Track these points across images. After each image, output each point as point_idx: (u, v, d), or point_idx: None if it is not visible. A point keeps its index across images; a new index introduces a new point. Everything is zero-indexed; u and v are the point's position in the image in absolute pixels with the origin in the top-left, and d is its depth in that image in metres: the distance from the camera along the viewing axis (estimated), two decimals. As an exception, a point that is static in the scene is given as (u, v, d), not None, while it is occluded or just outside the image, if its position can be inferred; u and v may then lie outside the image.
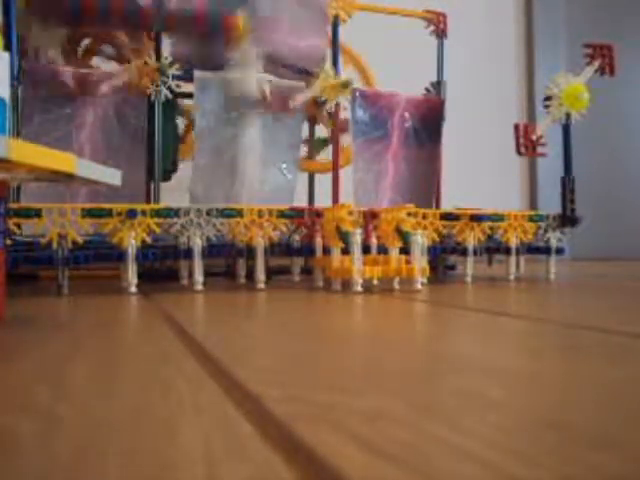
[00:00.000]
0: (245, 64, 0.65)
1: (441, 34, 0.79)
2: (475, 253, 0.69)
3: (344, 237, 0.57)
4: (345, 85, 0.67)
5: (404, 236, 0.59)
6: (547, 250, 0.73)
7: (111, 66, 0.75)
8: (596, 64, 0.73)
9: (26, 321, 0.37)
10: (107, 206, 0.56)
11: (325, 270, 0.60)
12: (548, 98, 0.73)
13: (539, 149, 0.73)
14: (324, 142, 0.86)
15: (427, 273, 0.59)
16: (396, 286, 0.58)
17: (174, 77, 0.62)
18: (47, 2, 0.60)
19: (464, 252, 0.69)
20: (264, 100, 0.64)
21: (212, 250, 0.60)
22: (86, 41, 0.79)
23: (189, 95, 0.68)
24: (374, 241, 0.64)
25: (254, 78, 0.65)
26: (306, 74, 0.68)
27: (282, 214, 0.62)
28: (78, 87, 0.62)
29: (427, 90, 0.79)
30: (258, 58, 0.66)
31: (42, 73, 0.61)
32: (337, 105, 0.68)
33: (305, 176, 0.89)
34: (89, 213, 0.55)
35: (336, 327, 0.35)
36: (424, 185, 0.77)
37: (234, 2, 0.67)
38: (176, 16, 0.63)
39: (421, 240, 0.58)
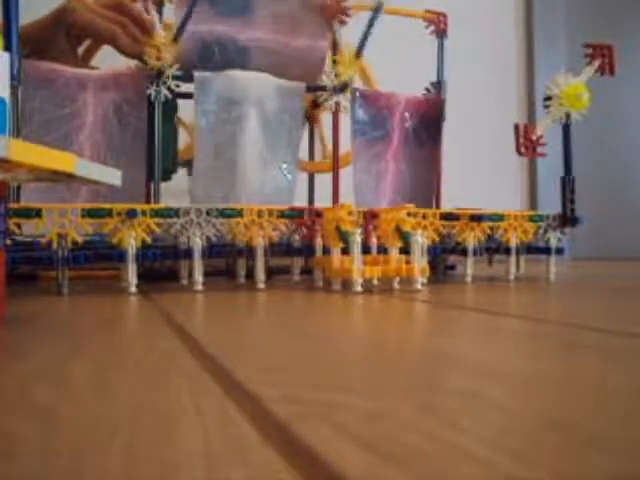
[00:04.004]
0: None
1: (441, 34, 0.79)
2: (475, 253, 0.69)
3: (344, 237, 0.57)
4: (345, 85, 0.67)
5: (404, 236, 0.59)
6: (547, 250, 0.73)
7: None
8: (596, 64, 0.73)
9: (26, 321, 0.37)
10: (107, 206, 0.56)
11: (325, 270, 0.60)
12: (548, 98, 0.73)
13: (539, 149, 0.73)
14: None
15: (427, 273, 0.59)
16: (396, 286, 0.58)
17: (174, 77, 0.62)
18: None
19: (464, 252, 0.69)
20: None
21: (212, 250, 0.60)
22: (87, 42, 0.79)
23: (189, 95, 0.68)
24: (374, 241, 0.64)
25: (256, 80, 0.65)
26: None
27: (282, 214, 0.62)
28: (78, 87, 0.62)
29: (427, 90, 0.79)
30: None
31: (42, 73, 0.61)
32: (337, 105, 0.68)
33: (305, 176, 0.89)
34: (89, 213, 0.55)
35: (336, 327, 0.35)
36: (424, 185, 0.77)
37: (238, 10, 0.67)
38: None
39: (421, 240, 0.58)
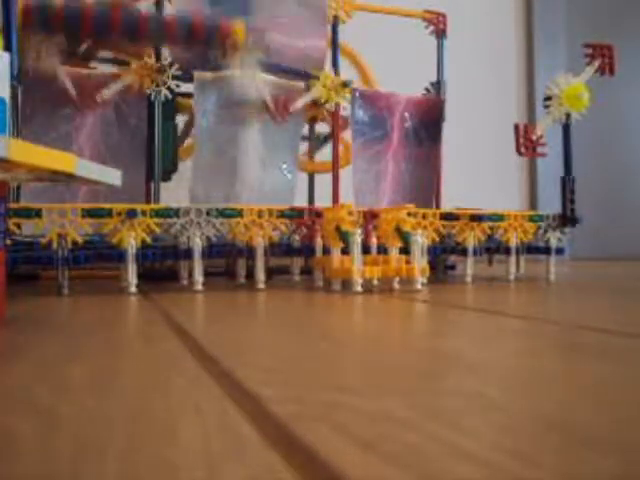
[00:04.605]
0: (244, 69, 0.65)
1: (441, 34, 0.79)
2: (475, 253, 0.69)
3: (344, 237, 0.57)
4: (344, 85, 0.67)
5: (404, 236, 0.59)
6: (547, 250, 0.73)
7: (111, 68, 0.75)
8: (596, 64, 0.73)
9: (26, 321, 0.37)
10: (107, 206, 0.56)
11: (325, 270, 0.60)
12: (548, 98, 0.73)
13: (539, 149, 0.73)
14: (324, 140, 0.86)
15: (427, 273, 0.59)
16: (396, 286, 0.58)
17: (174, 77, 0.62)
18: (44, 14, 0.60)
19: (464, 252, 0.69)
20: (265, 106, 0.65)
21: (212, 250, 0.60)
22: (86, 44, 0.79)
23: (189, 95, 0.69)
24: (374, 241, 0.64)
25: (254, 82, 0.65)
26: (306, 77, 0.68)
27: (282, 214, 0.62)
28: (78, 89, 0.62)
29: (427, 90, 0.79)
30: (257, 63, 0.66)
31: (42, 73, 0.61)
32: (337, 105, 0.68)
33: (305, 176, 0.89)
34: (89, 213, 0.55)
35: (336, 327, 0.35)
36: (424, 185, 0.77)
37: (238, 10, 0.67)
38: (174, 26, 0.63)
39: (421, 240, 0.58)
